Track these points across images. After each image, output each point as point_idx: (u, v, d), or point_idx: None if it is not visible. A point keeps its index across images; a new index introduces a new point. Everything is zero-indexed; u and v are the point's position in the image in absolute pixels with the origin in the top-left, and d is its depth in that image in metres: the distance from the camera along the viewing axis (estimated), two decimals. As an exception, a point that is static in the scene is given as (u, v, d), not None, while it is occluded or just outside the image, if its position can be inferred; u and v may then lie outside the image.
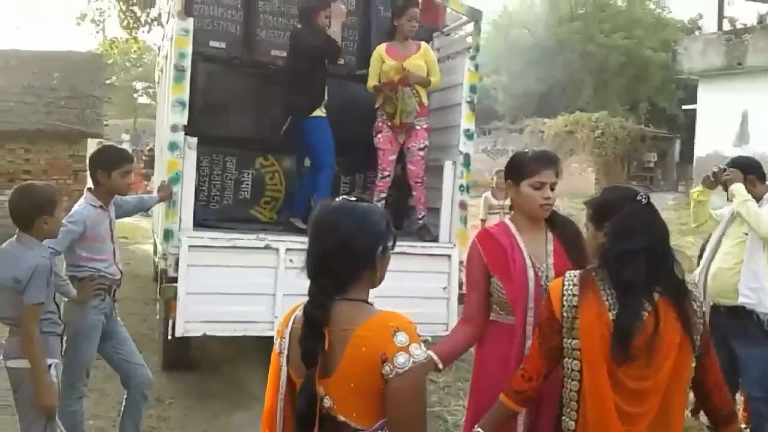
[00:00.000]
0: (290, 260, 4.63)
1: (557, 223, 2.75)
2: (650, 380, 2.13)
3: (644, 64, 26.56)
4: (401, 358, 1.66)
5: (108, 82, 14.20)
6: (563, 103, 25.50)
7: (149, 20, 15.61)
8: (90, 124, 12.47)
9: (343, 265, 1.78)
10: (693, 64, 19.98)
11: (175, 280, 4.44)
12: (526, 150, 2.89)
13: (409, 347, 1.67)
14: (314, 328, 1.73)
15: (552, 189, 2.67)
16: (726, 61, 18.81)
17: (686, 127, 22.45)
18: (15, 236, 3.10)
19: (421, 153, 5.23)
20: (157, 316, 5.74)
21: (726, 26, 21.34)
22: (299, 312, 1.85)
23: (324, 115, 5.11)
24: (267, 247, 4.62)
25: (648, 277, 2.15)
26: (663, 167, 23.21)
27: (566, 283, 2.25)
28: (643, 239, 2.18)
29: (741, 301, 3.91)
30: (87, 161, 3.84)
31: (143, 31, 15.97)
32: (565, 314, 2.21)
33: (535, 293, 2.60)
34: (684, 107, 22.71)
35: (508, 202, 6.20)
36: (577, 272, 2.27)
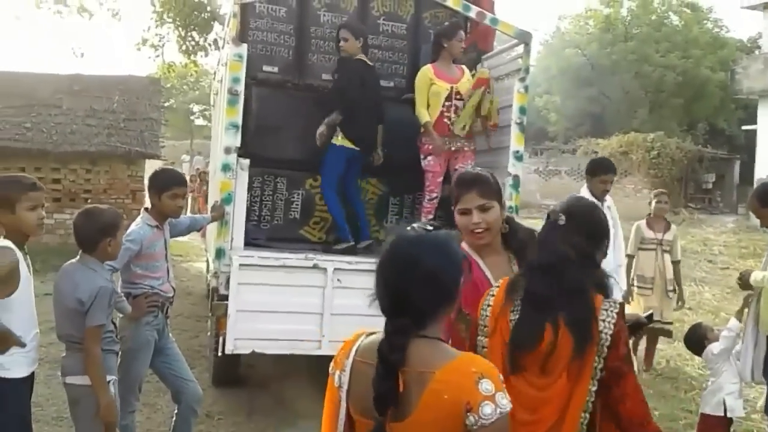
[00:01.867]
0: (338, 280, 4.67)
1: (515, 243, 2.52)
2: (546, 391, 2.05)
3: (702, 84, 25.99)
4: (488, 409, 1.56)
5: (166, 104, 14.62)
6: (618, 123, 25.11)
7: (207, 45, 16.07)
8: (148, 146, 12.89)
9: (426, 302, 1.66)
10: (752, 84, 19.49)
11: (225, 297, 4.53)
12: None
13: (494, 396, 1.58)
14: (391, 371, 1.60)
15: (485, 210, 2.44)
16: (787, 80, 18.27)
17: (746, 148, 21.84)
18: (78, 257, 3.21)
19: (469, 174, 5.23)
20: (208, 333, 5.85)
21: (787, 45, 20.75)
22: (362, 342, 1.75)
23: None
24: (315, 267, 4.68)
25: (551, 295, 2.06)
26: (722, 189, 22.59)
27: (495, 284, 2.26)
28: (549, 257, 2.13)
29: None
30: (145, 181, 3.99)
31: (201, 55, 16.45)
32: (481, 311, 2.18)
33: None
34: (744, 128, 22.11)
35: (669, 236, 6.15)
36: (510, 276, 2.24)
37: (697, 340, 4.32)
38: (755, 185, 18.62)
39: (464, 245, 2.43)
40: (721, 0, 74.00)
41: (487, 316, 2.16)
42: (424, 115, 5.29)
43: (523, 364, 2.05)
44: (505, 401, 1.59)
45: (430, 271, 1.65)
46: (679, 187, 21.16)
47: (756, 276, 4.05)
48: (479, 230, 2.45)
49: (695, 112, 26.42)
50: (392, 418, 1.60)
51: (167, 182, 3.89)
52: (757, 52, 23.91)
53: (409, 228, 1.76)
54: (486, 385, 1.58)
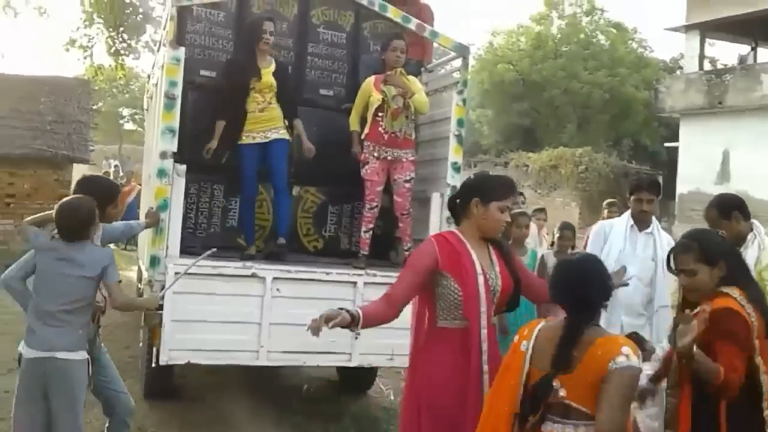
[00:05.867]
0: (277, 289, 4.62)
1: (494, 239, 3.05)
2: None
3: (627, 101, 27.03)
4: (621, 359, 2.31)
5: (95, 107, 14.18)
6: (547, 138, 25.83)
7: (138, 47, 15.70)
8: (76, 149, 12.46)
9: (597, 301, 2.52)
10: (675, 103, 20.38)
11: (160, 307, 4.40)
12: (489, 172, 3.18)
13: (629, 356, 2.33)
14: (571, 342, 2.41)
15: (509, 212, 3.03)
16: (707, 100, 19.22)
17: (668, 165, 22.78)
18: (75, 245, 3.41)
19: (408, 185, 5.28)
20: (141, 344, 5.68)
21: (707, 66, 21.82)
22: (543, 325, 2.56)
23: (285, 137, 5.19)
24: (253, 276, 4.61)
25: None
26: (645, 203, 23.41)
27: (741, 302, 2.77)
28: None
29: None
30: (72, 187, 3.91)
31: (132, 58, 16.04)
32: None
33: (486, 299, 2.84)
34: (666, 144, 23.08)
35: None
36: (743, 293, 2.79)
37: None
38: (677, 200, 19.47)
39: (457, 231, 2.98)
40: (646, 21, 77.25)
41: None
42: (352, 124, 5.40)
43: None
44: (635, 361, 2.33)
45: (599, 280, 2.53)
46: (605, 200, 21.86)
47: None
48: (503, 227, 3.02)
49: (621, 128, 27.41)
50: (562, 372, 2.39)
51: (112, 195, 3.91)
52: (678, 72, 25.04)
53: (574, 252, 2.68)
54: (625, 350, 2.34)
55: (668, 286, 4.33)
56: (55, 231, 3.50)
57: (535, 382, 2.45)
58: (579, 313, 2.47)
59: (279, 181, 5.22)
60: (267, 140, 5.14)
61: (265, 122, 5.15)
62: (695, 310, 2.77)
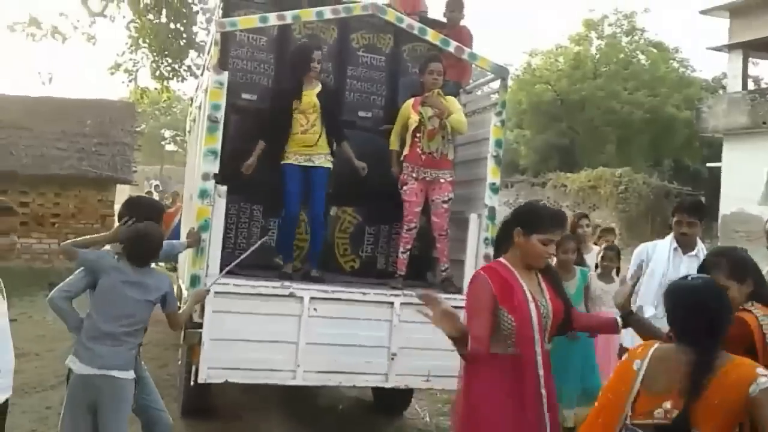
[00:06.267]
0: (314, 309, 4.65)
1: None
2: None
3: (668, 121, 26.66)
4: (764, 379, 2.26)
5: (138, 129, 14.53)
6: (586, 158, 25.59)
7: (181, 71, 16.03)
8: (119, 170, 12.76)
9: (725, 326, 2.45)
10: (717, 123, 20.04)
11: (199, 325, 4.47)
12: (542, 202, 3.13)
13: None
14: (708, 371, 2.31)
15: (555, 245, 2.97)
16: (750, 119, 18.86)
17: (710, 185, 22.36)
18: (142, 269, 3.64)
19: (446, 205, 5.28)
20: (179, 362, 5.75)
21: (750, 86, 21.42)
22: (659, 347, 2.48)
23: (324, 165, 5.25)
24: (291, 295, 4.65)
25: None
26: (687, 224, 22.98)
27: (760, 319, 2.74)
28: None
29: None
30: (116, 207, 4.06)
31: (176, 81, 16.39)
32: None
33: (539, 326, 2.85)
34: (708, 165, 22.66)
35: None
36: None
37: None
38: (719, 221, 19.07)
39: (504, 260, 2.98)
40: (687, 40, 76.33)
41: None
42: (392, 144, 5.46)
43: None
44: None
45: (728, 305, 2.51)
46: (646, 221, 21.54)
47: None
48: (546, 259, 2.99)
49: (661, 148, 27.04)
50: (693, 401, 2.29)
51: (159, 214, 4.02)
52: (721, 91, 24.64)
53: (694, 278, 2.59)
54: (761, 371, 2.30)
55: None
56: (112, 252, 3.66)
57: (673, 418, 2.33)
58: (710, 339, 2.39)
59: (317, 207, 5.27)
60: (310, 165, 5.21)
61: (309, 146, 5.21)
62: None
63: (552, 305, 2.93)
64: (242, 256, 4.46)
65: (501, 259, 3.01)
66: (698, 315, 2.43)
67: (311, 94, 5.22)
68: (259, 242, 4.67)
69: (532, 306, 2.86)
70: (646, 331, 3.05)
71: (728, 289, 2.78)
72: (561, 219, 3.06)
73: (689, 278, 2.60)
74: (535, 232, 2.91)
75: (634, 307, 3.81)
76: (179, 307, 4.00)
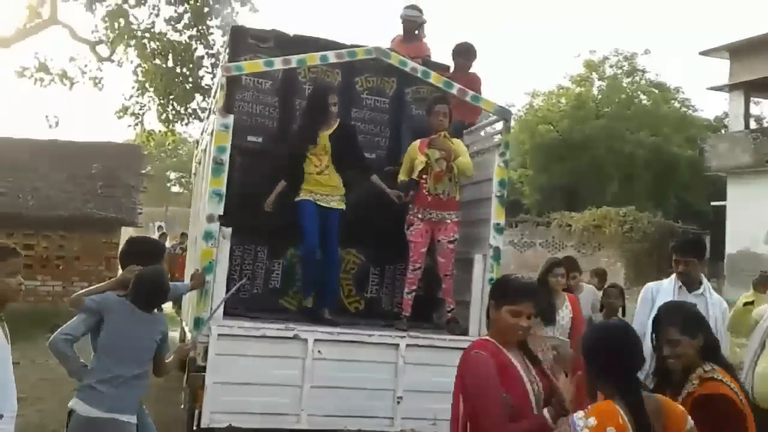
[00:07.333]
0: (318, 351, 4.61)
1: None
2: None
3: (671, 160, 26.76)
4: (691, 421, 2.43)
5: (144, 171, 14.64)
6: (590, 197, 25.61)
7: (187, 114, 16.23)
8: (125, 212, 12.80)
9: (636, 367, 2.53)
10: (721, 162, 20.11)
11: (203, 369, 4.43)
12: (513, 275, 3.05)
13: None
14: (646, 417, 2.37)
15: (529, 318, 2.81)
16: (753, 158, 18.92)
17: (715, 223, 22.30)
18: (139, 312, 3.61)
19: (451, 246, 5.27)
20: (182, 406, 5.68)
21: (752, 125, 21.55)
22: (622, 411, 2.36)
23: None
24: (296, 338, 4.62)
25: None
26: (693, 263, 22.85)
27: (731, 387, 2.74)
28: None
29: None
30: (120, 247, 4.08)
31: (181, 124, 16.58)
32: None
33: (536, 404, 2.72)
34: (713, 204, 22.65)
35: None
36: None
37: None
38: (725, 260, 18.98)
39: (490, 338, 2.84)
40: (688, 81, 77.07)
41: None
42: (400, 175, 5.44)
43: None
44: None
45: (628, 346, 2.51)
46: (651, 260, 21.44)
47: None
48: (521, 332, 2.82)
49: (665, 187, 27.07)
50: None
51: (159, 253, 4.09)
52: (723, 130, 24.77)
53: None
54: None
55: (727, 348, 4.30)
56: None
57: None
58: (628, 383, 2.41)
59: (332, 246, 5.27)
60: (326, 205, 5.23)
61: (325, 186, 5.26)
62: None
63: (541, 382, 2.81)
64: (221, 302, 4.49)
65: (488, 337, 2.87)
66: (638, 356, 2.51)
67: (324, 137, 5.27)
68: (237, 285, 4.66)
69: (528, 386, 2.73)
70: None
71: (680, 343, 2.81)
72: (530, 290, 2.89)
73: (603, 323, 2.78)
74: (505, 303, 2.81)
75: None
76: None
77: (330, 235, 5.26)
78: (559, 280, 5.20)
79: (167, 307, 13.76)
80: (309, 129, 5.30)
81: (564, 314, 5.13)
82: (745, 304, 4.29)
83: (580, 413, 2.38)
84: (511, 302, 2.80)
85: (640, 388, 2.46)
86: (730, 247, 19.13)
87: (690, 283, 4.46)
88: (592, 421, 2.32)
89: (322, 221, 5.24)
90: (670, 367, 2.88)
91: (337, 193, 5.30)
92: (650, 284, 4.88)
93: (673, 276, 4.55)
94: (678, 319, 2.85)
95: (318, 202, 5.23)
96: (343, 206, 5.30)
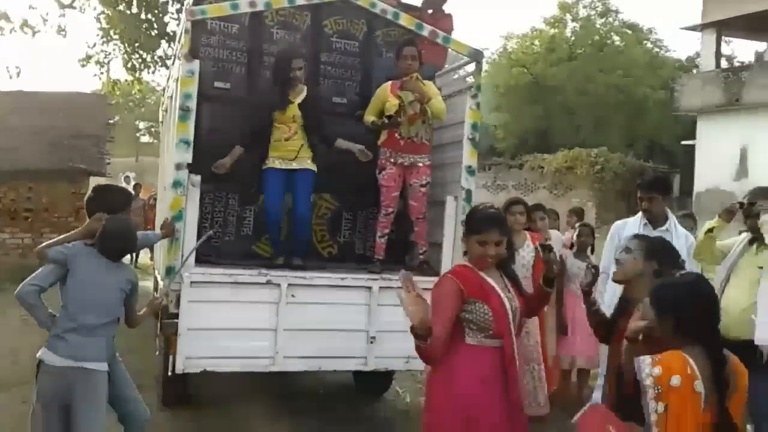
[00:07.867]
0: (292, 295, 4.64)
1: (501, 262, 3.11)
2: None
3: (642, 102, 26.84)
4: None
5: (111, 121, 14.34)
6: (562, 140, 25.69)
7: (154, 61, 15.81)
8: (93, 163, 12.60)
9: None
10: (691, 101, 20.22)
11: (176, 316, 4.45)
12: (481, 205, 3.21)
13: None
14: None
15: (499, 245, 2.99)
16: (724, 97, 19.06)
17: (685, 163, 22.58)
18: (108, 261, 3.59)
19: (423, 189, 5.28)
20: (157, 353, 5.72)
21: (724, 64, 21.62)
22: (692, 361, 2.37)
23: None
24: (269, 283, 4.64)
25: None
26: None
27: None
28: None
29: (758, 338, 3.80)
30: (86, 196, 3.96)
31: (148, 72, 16.16)
32: None
33: (512, 317, 2.98)
34: (683, 143, 22.89)
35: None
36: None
37: None
38: (694, 198, 19.28)
39: (466, 262, 3.07)
40: (661, 21, 76.78)
41: None
42: (368, 118, 5.37)
43: None
44: None
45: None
46: (622, 200, 21.71)
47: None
48: (490, 259, 3.00)
49: (637, 128, 27.22)
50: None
51: (118, 204, 3.89)
52: (695, 71, 24.85)
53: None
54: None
55: None
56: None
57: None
58: (714, 336, 2.49)
59: (301, 207, 5.19)
60: (291, 168, 5.15)
61: (290, 151, 5.16)
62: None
63: (517, 299, 3.05)
64: (191, 250, 4.49)
65: (465, 263, 3.10)
66: (712, 315, 2.52)
67: (294, 108, 5.15)
68: (205, 235, 4.61)
69: (504, 298, 2.96)
70: (593, 314, 3.38)
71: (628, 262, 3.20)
72: (495, 219, 3.04)
73: (681, 277, 2.66)
74: (472, 233, 3.01)
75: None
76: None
77: (300, 196, 5.18)
78: (517, 218, 5.21)
79: (145, 257, 13.74)
80: (278, 96, 5.17)
81: (525, 253, 5.17)
82: (708, 231, 4.38)
83: (647, 359, 2.38)
84: (477, 232, 2.99)
85: (720, 343, 2.51)
86: (699, 186, 19.42)
87: (654, 220, 4.58)
88: (657, 370, 2.33)
89: (289, 185, 5.18)
90: (613, 278, 3.37)
91: (303, 155, 5.18)
92: (617, 222, 4.97)
93: (640, 214, 4.63)
94: (633, 243, 3.24)
95: (282, 167, 5.14)
96: (313, 167, 5.21)
